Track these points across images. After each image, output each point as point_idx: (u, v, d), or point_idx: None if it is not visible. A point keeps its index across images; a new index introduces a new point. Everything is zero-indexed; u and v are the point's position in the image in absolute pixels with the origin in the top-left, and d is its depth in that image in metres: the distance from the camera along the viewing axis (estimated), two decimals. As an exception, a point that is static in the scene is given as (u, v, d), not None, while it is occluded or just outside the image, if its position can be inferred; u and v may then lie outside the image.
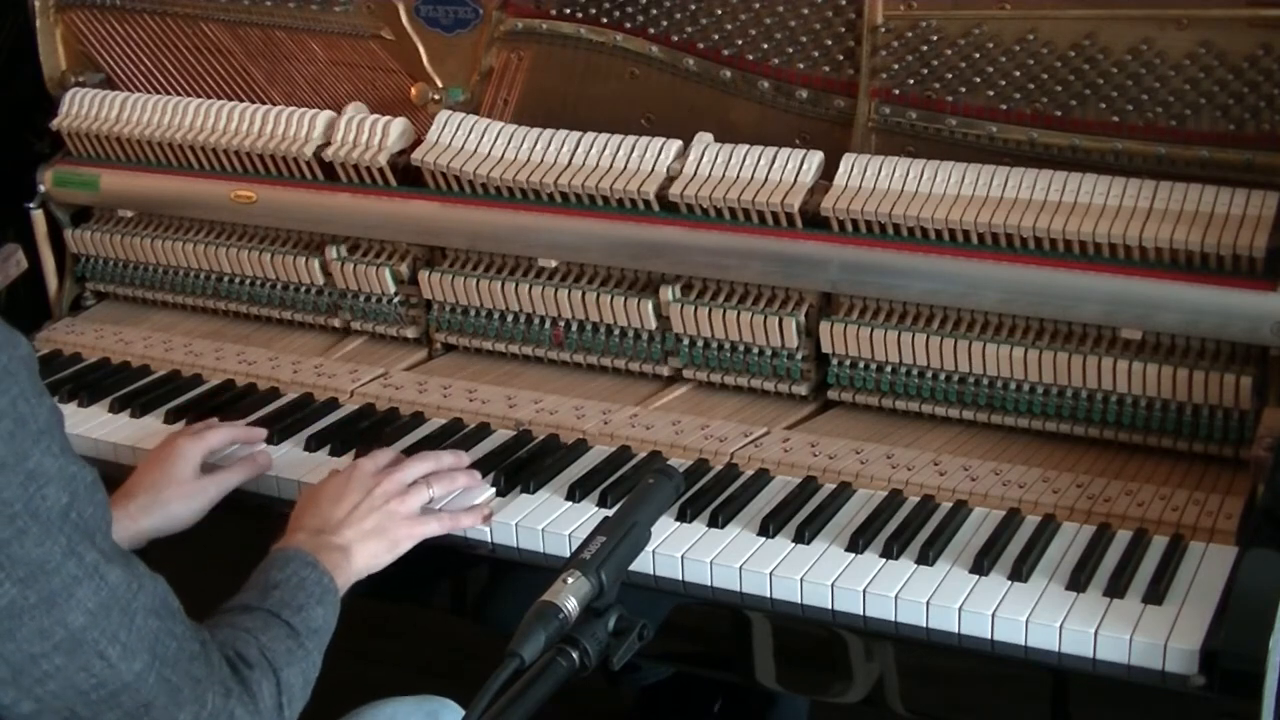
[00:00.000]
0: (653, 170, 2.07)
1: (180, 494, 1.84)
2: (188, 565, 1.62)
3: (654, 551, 1.75)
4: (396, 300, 2.30)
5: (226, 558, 1.65)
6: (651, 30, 2.15)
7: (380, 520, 1.75)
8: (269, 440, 2.05)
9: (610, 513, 1.62)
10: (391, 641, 2.79)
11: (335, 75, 2.39)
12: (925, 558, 1.70)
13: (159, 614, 1.37)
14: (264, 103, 2.41)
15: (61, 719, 1.34)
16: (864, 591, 1.67)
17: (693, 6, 2.12)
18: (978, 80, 1.97)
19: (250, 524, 1.91)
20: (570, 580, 1.32)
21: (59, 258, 2.55)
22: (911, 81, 2.00)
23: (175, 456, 1.87)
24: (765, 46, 2.09)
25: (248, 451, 2.00)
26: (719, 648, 1.84)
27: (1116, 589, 1.61)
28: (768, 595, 1.71)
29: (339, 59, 2.39)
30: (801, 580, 1.70)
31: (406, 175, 2.25)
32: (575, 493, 1.88)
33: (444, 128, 2.21)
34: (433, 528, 1.81)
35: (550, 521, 1.84)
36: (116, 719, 1.36)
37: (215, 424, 2.00)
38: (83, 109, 2.47)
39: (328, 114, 2.30)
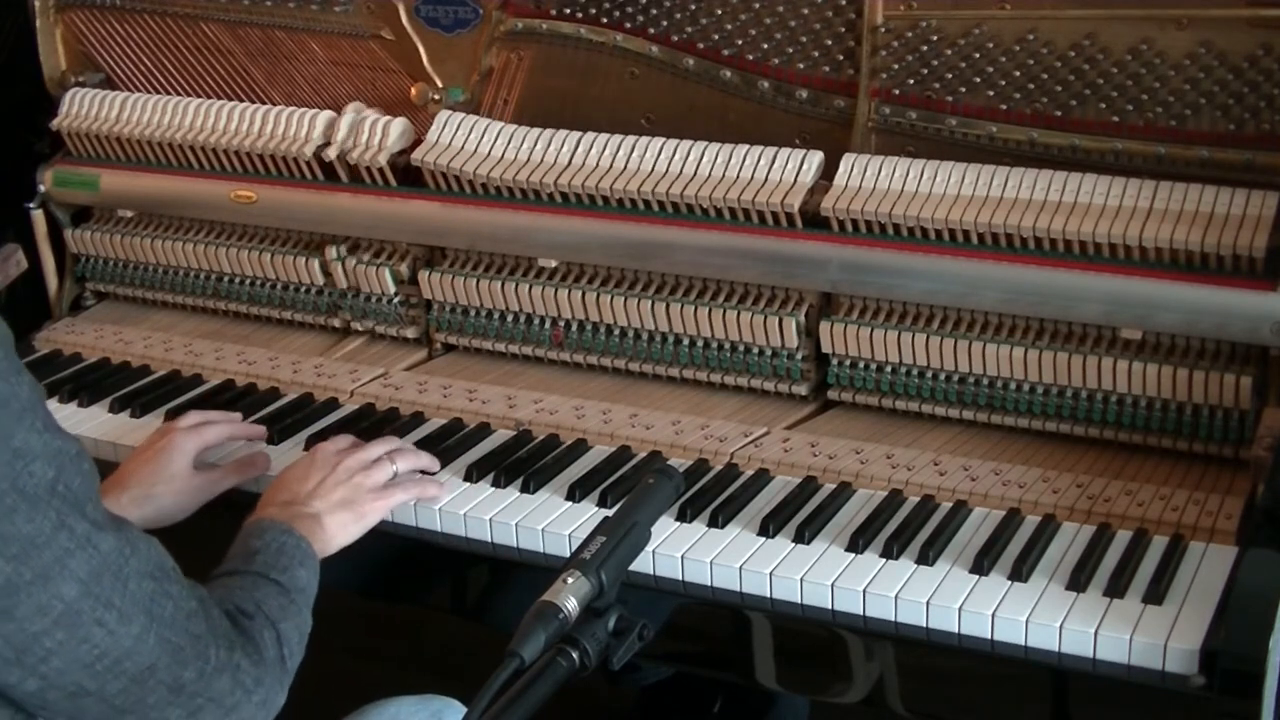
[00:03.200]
0: (653, 170, 2.07)
1: (173, 490, 1.84)
2: (182, 563, 1.62)
3: (654, 551, 1.75)
4: (396, 300, 2.30)
5: (221, 555, 1.64)
6: (651, 30, 2.15)
7: (347, 493, 1.78)
8: (269, 440, 2.05)
9: (610, 513, 1.62)
10: (392, 641, 2.79)
11: (335, 75, 2.39)
12: (925, 558, 1.70)
13: (153, 576, 1.38)
14: (264, 103, 2.41)
15: (68, 694, 1.34)
16: (864, 591, 1.67)
17: (693, 6, 2.12)
18: (978, 80, 1.97)
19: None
20: (570, 580, 1.32)
21: (59, 258, 2.55)
22: (911, 81, 2.00)
23: (171, 451, 1.87)
24: (765, 46, 2.09)
25: (246, 450, 2.00)
26: (719, 648, 1.84)
27: (1116, 589, 1.61)
28: (768, 595, 1.71)
29: (339, 59, 2.38)
30: (801, 580, 1.70)
31: (406, 175, 2.25)
32: (575, 493, 1.88)
33: (444, 128, 2.21)
34: (398, 497, 1.84)
35: (550, 521, 1.84)
36: (122, 686, 1.36)
37: (213, 417, 2.00)
38: (83, 109, 2.46)
39: (328, 114, 2.30)
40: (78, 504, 1.32)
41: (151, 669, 1.36)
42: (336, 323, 2.38)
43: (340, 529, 1.74)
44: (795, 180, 2.00)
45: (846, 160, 1.99)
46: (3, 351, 1.29)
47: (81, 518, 1.32)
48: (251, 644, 1.46)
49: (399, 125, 2.24)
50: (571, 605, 1.30)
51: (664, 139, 2.09)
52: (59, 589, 1.30)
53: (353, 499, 1.78)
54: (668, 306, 2.08)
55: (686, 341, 2.10)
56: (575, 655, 1.29)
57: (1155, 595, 1.60)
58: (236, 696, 1.43)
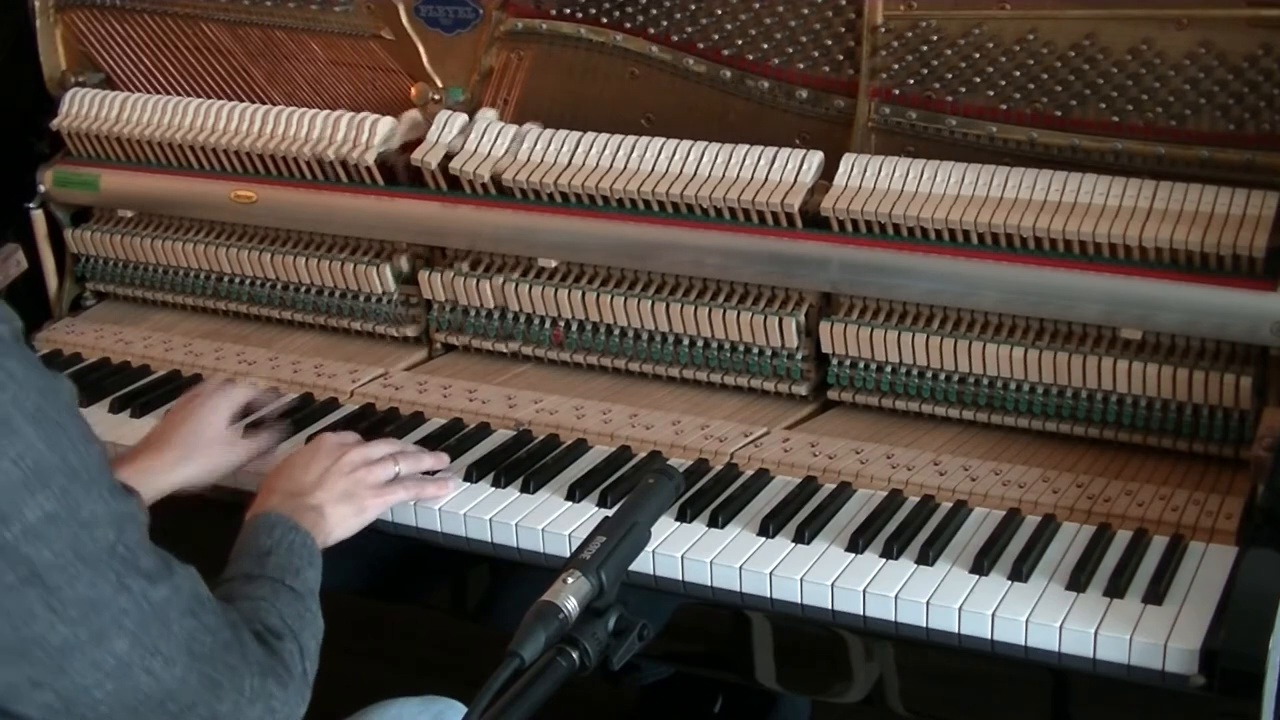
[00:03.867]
0: (653, 170, 2.07)
1: (208, 453, 1.87)
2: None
3: (654, 551, 1.75)
4: (396, 300, 2.30)
5: (223, 557, 1.65)
6: (651, 30, 2.15)
7: (349, 486, 1.79)
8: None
9: (610, 513, 1.62)
10: (392, 641, 2.79)
11: (335, 75, 2.39)
12: (925, 558, 1.70)
13: (192, 611, 1.39)
14: (264, 103, 2.41)
15: None
16: (864, 591, 1.67)
17: (693, 6, 2.12)
18: (978, 80, 1.97)
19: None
20: (570, 580, 1.32)
21: (59, 258, 2.55)
22: (911, 81, 2.00)
23: (205, 410, 1.90)
24: (765, 46, 2.09)
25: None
26: (719, 648, 1.84)
27: (1116, 589, 1.61)
28: (768, 595, 1.71)
29: (339, 59, 2.38)
30: (801, 580, 1.70)
31: (406, 175, 2.25)
32: (575, 493, 1.88)
33: (444, 128, 2.21)
34: (399, 495, 1.84)
35: (550, 521, 1.84)
36: None
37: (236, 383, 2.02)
38: (83, 109, 2.46)
39: (328, 114, 2.30)
40: (134, 561, 1.34)
41: (192, 706, 1.38)
42: (336, 323, 2.38)
43: (340, 522, 1.75)
44: (795, 180, 2.00)
45: (846, 160, 1.99)
46: (72, 419, 1.31)
47: (138, 575, 1.34)
48: (282, 665, 1.47)
49: (400, 123, 2.24)
50: (571, 605, 1.30)
51: (664, 139, 2.09)
52: (112, 645, 1.32)
53: (354, 492, 1.78)
54: (668, 306, 2.08)
55: (686, 341, 2.10)
56: (575, 655, 1.29)
57: (1155, 595, 1.60)
58: None
